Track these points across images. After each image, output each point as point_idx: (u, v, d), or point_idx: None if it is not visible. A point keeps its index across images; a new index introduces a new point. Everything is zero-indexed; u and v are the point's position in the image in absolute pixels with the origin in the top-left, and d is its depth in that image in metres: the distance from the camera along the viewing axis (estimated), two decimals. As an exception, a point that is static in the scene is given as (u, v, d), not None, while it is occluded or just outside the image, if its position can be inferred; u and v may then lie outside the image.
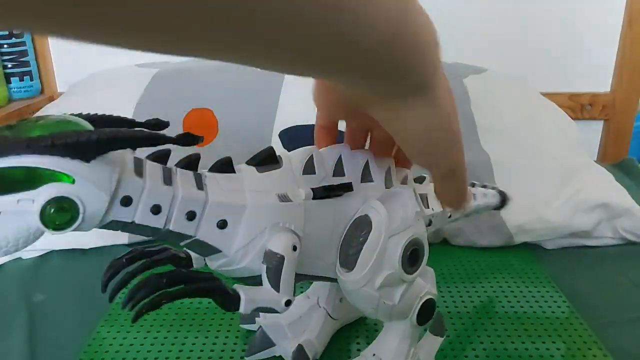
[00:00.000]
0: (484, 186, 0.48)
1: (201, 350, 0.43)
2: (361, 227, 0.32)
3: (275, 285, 0.29)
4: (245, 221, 0.29)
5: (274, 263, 0.29)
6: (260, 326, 0.41)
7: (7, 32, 0.91)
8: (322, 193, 0.31)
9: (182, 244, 0.29)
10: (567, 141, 0.76)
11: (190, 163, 0.30)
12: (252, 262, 0.29)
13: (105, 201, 0.24)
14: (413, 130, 0.29)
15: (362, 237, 0.32)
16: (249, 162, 0.32)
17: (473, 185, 0.47)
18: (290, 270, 0.29)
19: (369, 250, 0.32)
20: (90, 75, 0.89)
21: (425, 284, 0.37)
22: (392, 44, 0.23)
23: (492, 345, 0.44)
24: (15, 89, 0.95)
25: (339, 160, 0.33)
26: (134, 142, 0.24)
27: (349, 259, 0.32)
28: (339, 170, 0.33)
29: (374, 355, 0.38)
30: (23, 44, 0.93)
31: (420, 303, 0.36)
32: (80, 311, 0.49)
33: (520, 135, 0.72)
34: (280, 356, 0.41)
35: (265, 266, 0.29)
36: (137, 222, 0.26)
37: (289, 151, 0.34)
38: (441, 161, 0.31)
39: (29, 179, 0.22)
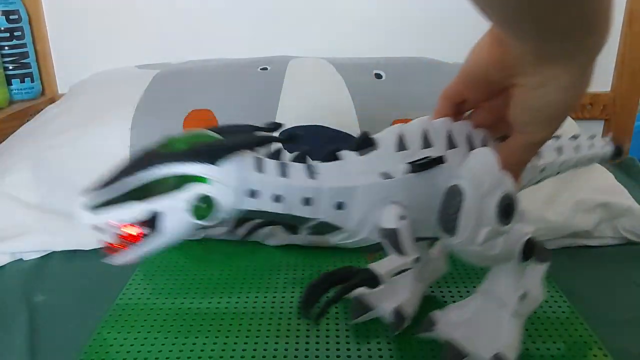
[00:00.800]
0: (592, 137, 0.52)
1: (202, 350, 0.43)
2: (454, 196, 0.35)
3: (400, 252, 0.34)
4: (358, 200, 0.34)
5: (391, 236, 0.34)
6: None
7: (7, 34, 0.91)
8: (418, 168, 0.35)
9: (307, 225, 0.35)
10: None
11: (301, 156, 0.35)
12: (369, 233, 0.35)
13: (234, 195, 0.31)
14: (550, 100, 0.32)
15: (457, 206, 0.35)
16: (348, 149, 0.37)
17: (575, 137, 0.51)
18: (406, 236, 0.34)
19: (466, 216, 0.35)
20: (91, 77, 0.89)
21: (521, 227, 0.39)
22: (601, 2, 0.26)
23: None
24: (16, 91, 0.95)
25: (424, 133, 0.37)
26: (250, 145, 0.32)
27: (449, 226, 0.36)
28: (426, 142, 0.37)
29: (487, 291, 0.42)
30: (24, 45, 0.94)
31: (521, 245, 0.39)
32: (81, 312, 0.49)
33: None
34: (377, 319, 0.46)
35: (384, 241, 0.35)
36: (263, 209, 0.32)
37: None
38: (543, 133, 0.35)
39: (179, 183, 0.29)
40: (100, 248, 0.32)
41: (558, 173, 0.51)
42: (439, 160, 0.36)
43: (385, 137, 0.37)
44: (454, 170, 0.36)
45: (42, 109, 0.83)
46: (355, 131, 0.68)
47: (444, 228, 0.36)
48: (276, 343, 0.44)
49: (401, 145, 0.37)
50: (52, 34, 0.98)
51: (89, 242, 0.60)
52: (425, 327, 0.43)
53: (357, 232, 0.35)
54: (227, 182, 0.30)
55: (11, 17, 0.91)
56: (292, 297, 0.51)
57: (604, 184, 0.66)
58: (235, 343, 0.44)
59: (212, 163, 0.30)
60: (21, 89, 0.95)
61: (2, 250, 0.58)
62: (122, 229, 0.30)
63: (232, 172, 0.31)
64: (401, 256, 0.34)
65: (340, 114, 0.66)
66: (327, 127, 0.68)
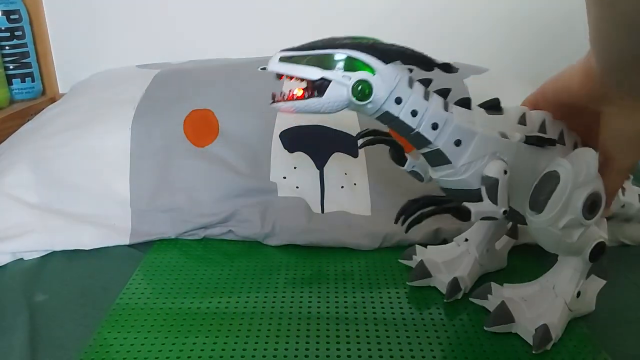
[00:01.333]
0: None
1: (202, 350, 0.43)
2: (551, 179, 0.40)
3: (494, 200, 0.39)
4: (474, 145, 0.39)
5: (492, 183, 0.39)
6: (421, 259, 0.51)
7: (8, 34, 0.91)
8: (532, 140, 0.41)
9: (424, 151, 0.40)
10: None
11: (443, 92, 0.40)
12: (470, 177, 0.40)
13: (387, 92, 0.37)
14: (634, 130, 0.38)
15: (551, 187, 0.40)
16: (480, 105, 0.42)
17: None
18: (503, 188, 0.39)
19: (557, 197, 0.40)
20: (91, 76, 0.89)
21: (599, 230, 0.44)
22: None
23: (493, 346, 0.44)
24: (17, 91, 0.95)
25: (543, 121, 0.43)
26: (414, 59, 0.37)
27: (539, 203, 0.40)
28: (542, 129, 0.43)
29: (547, 281, 0.46)
30: (24, 45, 0.94)
31: (594, 244, 0.43)
32: (82, 312, 0.49)
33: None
34: (434, 287, 0.51)
35: (484, 187, 0.39)
36: (400, 117, 0.38)
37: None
38: (631, 159, 0.41)
39: (351, 65, 0.36)
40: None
41: (630, 220, 0.55)
42: (551, 142, 0.42)
43: (511, 109, 0.43)
44: (555, 161, 0.41)
45: (42, 109, 0.83)
46: (355, 131, 0.68)
47: (533, 205, 0.41)
48: (276, 343, 0.44)
49: (522, 121, 0.43)
50: (52, 33, 0.98)
51: (89, 241, 0.60)
52: (480, 294, 0.47)
53: (461, 171, 0.40)
54: (386, 80, 0.36)
55: (12, 16, 0.91)
56: (292, 297, 0.51)
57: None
58: (235, 343, 0.44)
59: (384, 61, 0.36)
60: (22, 89, 0.95)
61: (2, 250, 0.58)
62: (293, 86, 0.37)
63: (393, 74, 0.37)
64: (493, 205, 0.39)
65: (340, 114, 0.66)
66: (327, 127, 0.68)
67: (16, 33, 0.92)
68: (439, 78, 0.40)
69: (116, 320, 0.47)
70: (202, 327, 0.46)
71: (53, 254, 0.60)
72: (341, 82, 0.36)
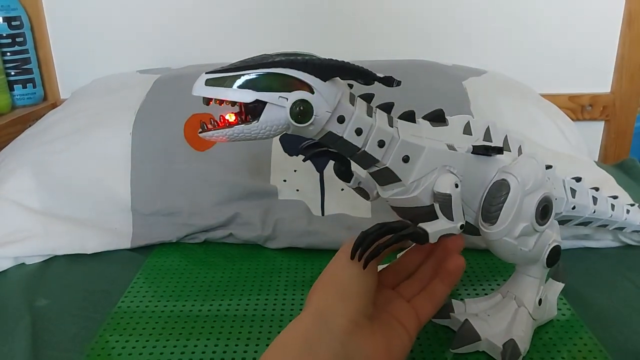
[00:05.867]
0: (632, 205, 0.57)
1: (203, 352, 0.43)
2: (501, 189, 0.39)
3: (449, 216, 0.38)
4: (422, 159, 0.37)
5: (445, 200, 0.37)
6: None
7: (10, 40, 0.92)
8: (480, 150, 0.39)
9: (372, 170, 0.38)
10: (567, 143, 0.76)
11: (386, 107, 0.38)
12: (421, 194, 0.38)
13: (329, 112, 0.34)
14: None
15: (502, 197, 0.39)
16: (424, 118, 0.41)
17: (615, 197, 0.55)
18: (457, 202, 0.38)
19: (508, 208, 0.39)
20: (92, 82, 0.89)
21: (552, 233, 0.43)
22: None
23: None
24: (19, 96, 0.96)
25: (487, 129, 0.42)
26: (354, 73, 0.34)
27: (491, 215, 0.39)
28: (487, 137, 0.42)
29: (508, 291, 0.45)
30: (26, 51, 0.94)
31: (550, 249, 0.43)
32: (83, 316, 0.49)
33: (519, 137, 0.72)
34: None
35: (437, 204, 0.38)
36: (345, 137, 0.35)
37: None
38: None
39: (287, 84, 0.33)
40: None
41: (589, 224, 0.53)
42: (498, 150, 0.40)
43: (455, 120, 0.42)
44: (503, 169, 0.40)
45: (44, 114, 0.84)
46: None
47: (485, 216, 0.40)
48: (277, 345, 0.44)
49: (467, 130, 0.41)
50: (53, 39, 0.98)
51: (90, 246, 0.61)
52: (442, 313, 0.45)
53: (411, 188, 0.38)
54: (327, 99, 0.34)
55: (13, 23, 0.91)
56: (292, 299, 0.51)
57: (604, 187, 0.66)
58: (236, 345, 0.44)
59: (322, 78, 0.34)
60: (23, 95, 0.96)
61: (4, 254, 0.58)
62: (223, 112, 0.34)
63: (333, 92, 0.34)
64: (449, 221, 0.37)
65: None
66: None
67: (17, 39, 0.92)
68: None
69: (118, 323, 0.48)
70: (204, 330, 0.46)
71: (54, 258, 0.60)
72: (278, 104, 0.33)
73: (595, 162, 0.78)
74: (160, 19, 0.95)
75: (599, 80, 0.99)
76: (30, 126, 0.82)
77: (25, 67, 0.95)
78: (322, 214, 0.64)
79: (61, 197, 0.65)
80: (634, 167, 0.83)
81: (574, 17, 0.95)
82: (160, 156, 0.67)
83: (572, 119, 0.88)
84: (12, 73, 0.94)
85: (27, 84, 0.96)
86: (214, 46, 0.96)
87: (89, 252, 0.60)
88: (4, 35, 0.91)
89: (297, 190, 0.65)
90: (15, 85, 0.95)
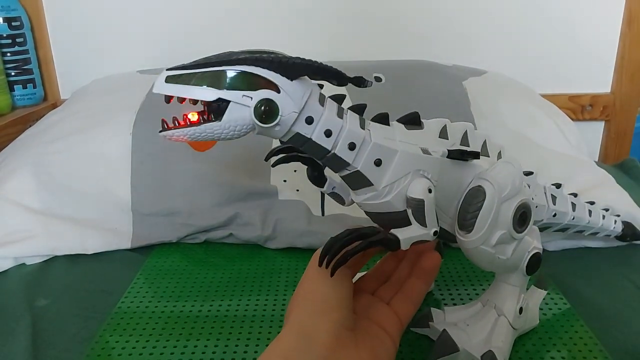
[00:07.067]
0: (606, 209, 0.56)
1: (203, 353, 0.43)
2: (476, 196, 0.38)
3: (422, 222, 0.36)
4: (395, 163, 0.36)
5: (417, 206, 0.36)
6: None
7: (10, 41, 0.92)
8: (455, 154, 0.38)
9: (343, 174, 0.37)
10: (567, 143, 0.76)
11: (358, 109, 0.37)
12: (394, 198, 0.36)
13: (296, 112, 0.33)
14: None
15: (478, 205, 0.37)
16: (398, 120, 0.39)
17: (591, 203, 0.54)
18: (431, 207, 0.36)
19: (484, 215, 0.37)
20: (93, 82, 0.90)
21: (532, 240, 0.42)
22: None
23: (493, 347, 0.44)
24: (19, 97, 0.96)
25: (465, 133, 0.41)
26: (324, 73, 0.33)
27: (467, 223, 0.38)
28: (464, 141, 0.41)
29: (488, 300, 0.43)
30: (26, 52, 0.94)
31: (529, 256, 0.41)
32: (83, 316, 0.49)
33: (520, 137, 0.72)
34: None
35: (410, 210, 0.36)
36: (313, 139, 0.34)
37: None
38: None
39: (252, 83, 0.31)
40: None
41: (566, 230, 0.53)
42: (475, 155, 0.39)
43: (431, 123, 0.40)
44: (479, 176, 0.39)
45: (44, 115, 0.84)
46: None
47: (461, 224, 0.38)
48: (277, 345, 0.44)
49: (443, 134, 0.40)
50: (53, 40, 0.98)
51: (91, 246, 0.61)
52: (421, 322, 0.44)
53: (384, 193, 0.36)
54: (294, 98, 0.32)
55: (13, 23, 0.91)
56: (292, 299, 0.51)
57: (604, 187, 0.66)
58: (236, 346, 0.44)
59: (289, 77, 0.32)
60: (23, 95, 0.96)
61: (4, 254, 0.58)
62: (186, 111, 0.33)
63: (300, 91, 0.33)
64: (422, 227, 0.36)
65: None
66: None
67: (17, 40, 0.92)
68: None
69: (118, 324, 0.48)
70: (204, 330, 0.46)
71: (55, 258, 0.60)
72: (241, 103, 0.31)
73: (595, 162, 0.78)
74: (160, 19, 0.96)
75: (599, 80, 0.99)
76: (30, 126, 0.82)
77: (25, 67, 0.95)
78: (323, 214, 0.64)
79: (61, 197, 0.65)
80: (634, 167, 0.83)
81: (574, 17, 0.95)
82: (160, 156, 0.67)
83: (572, 119, 0.88)
84: (13, 73, 0.94)
85: (27, 84, 0.96)
86: (214, 46, 0.96)
87: (89, 252, 0.60)
88: (4, 35, 0.91)
89: (297, 190, 0.65)
90: (15, 86, 0.95)
